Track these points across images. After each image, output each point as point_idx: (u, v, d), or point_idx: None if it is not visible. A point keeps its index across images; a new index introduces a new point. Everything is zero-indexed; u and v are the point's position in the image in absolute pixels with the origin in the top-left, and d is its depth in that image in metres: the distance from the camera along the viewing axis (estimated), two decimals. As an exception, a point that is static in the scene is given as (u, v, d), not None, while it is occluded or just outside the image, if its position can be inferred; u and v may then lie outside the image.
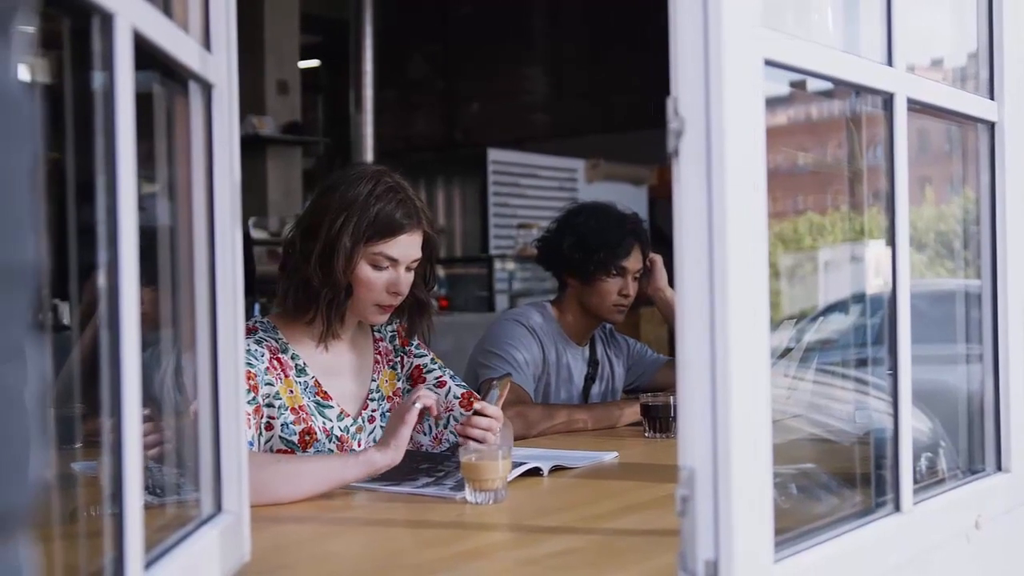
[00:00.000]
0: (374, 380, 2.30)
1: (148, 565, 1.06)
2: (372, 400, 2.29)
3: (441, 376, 2.35)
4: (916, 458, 1.57)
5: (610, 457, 2.31)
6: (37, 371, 0.56)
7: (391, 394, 2.32)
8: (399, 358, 2.37)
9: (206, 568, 1.25)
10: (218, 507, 1.34)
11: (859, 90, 1.52)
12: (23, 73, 0.56)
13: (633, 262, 2.95)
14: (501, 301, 7.29)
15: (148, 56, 1.10)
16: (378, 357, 2.33)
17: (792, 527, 1.32)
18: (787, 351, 2.23)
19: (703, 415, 1.14)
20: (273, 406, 2.10)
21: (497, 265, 7.39)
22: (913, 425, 1.53)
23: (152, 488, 1.30)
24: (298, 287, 2.16)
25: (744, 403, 1.15)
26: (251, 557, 1.41)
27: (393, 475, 2.00)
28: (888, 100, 1.48)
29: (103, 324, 0.99)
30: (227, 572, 1.32)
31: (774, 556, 1.21)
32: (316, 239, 2.13)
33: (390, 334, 2.38)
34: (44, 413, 0.57)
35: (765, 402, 1.19)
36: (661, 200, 8.15)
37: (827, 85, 1.53)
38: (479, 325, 5.53)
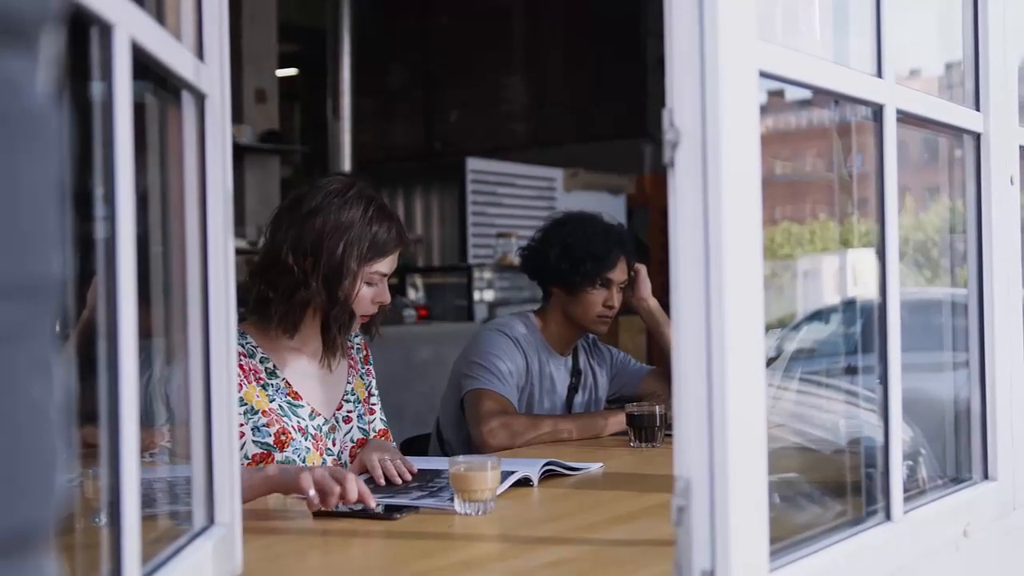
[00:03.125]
0: (349, 382, 2.37)
1: (144, 578, 1.05)
2: (348, 401, 2.35)
3: (375, 405, 2.46)
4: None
5: (596, 468, 2.31)
6: (61, 385, 0.55)
7: (364, 399, 2.40)
8: (365, 369, 2.45)
9: (200, 581, 1.24)
10: (211, 519, 1.33)
11: (850, 101, 1.54)
12: (48, 85, 0.56)
13: (619, 273, 2.95)
14: (480, 310, 7.28)
15: (142, 65, 1.09)
16: (351, 362, 2.40)
17: (786, 536, 1.32)
18: (769, 360, 2.24)
19: (699, 425, 1.15)
20: (239, 413, 2.11)
21: (476, 274, 7.37)
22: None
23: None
24: (297, 308, 2.20)
25: (740, 413, 1.15)
26: (243, 569, 1.40)
27: (386, 490, 2.00)
28: (878, 111, 1.49)
29: (100, 335, 0.98)
30: (220, 585, 1.31)
31: (769, 565, 1.22)
32: (316, 261, 2.18)
33: (357, 345, 2.45)
34: (68, 427, 0.57)
35: (761, 412, 1.20)
36: (639, 209, 8.17)
37: (806, 94, 1.54)
38: (458, 334, 5.53)
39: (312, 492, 1.77)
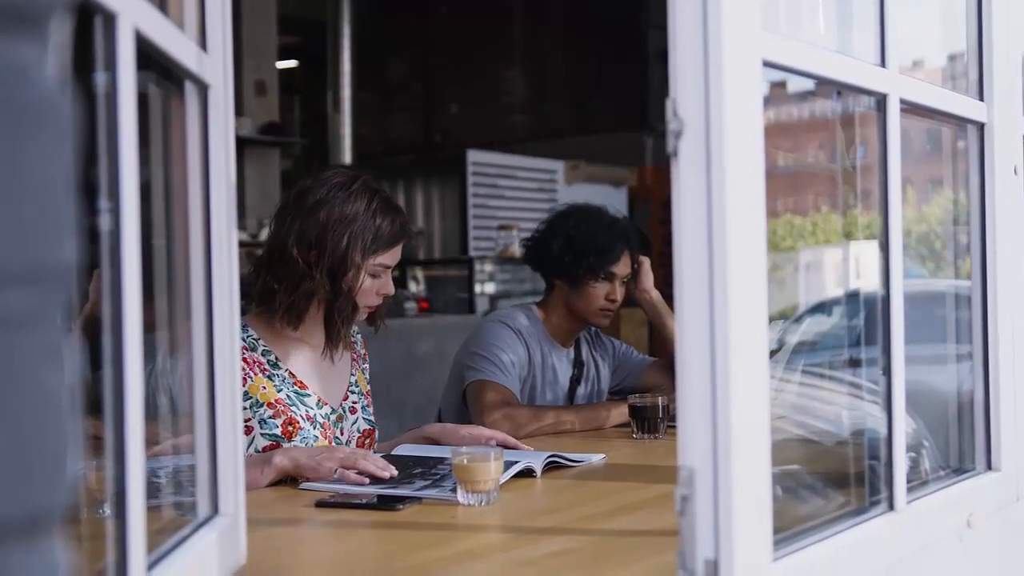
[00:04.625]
0: (352, 375, 2.40)
1: (149, 568, 1.05)
2: (352, 393, 2.38)
3: (367, 404, 2.45)
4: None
5: (598, 459, 2.31)
6: (73, 371, 0.56)
7: (365, 393, 2.43)
8: (365, 366, 2.48)
9: (205, 571, 1.24)
10: (215, 510, 1.34)
11: (854, 91, 1.53)
12: (59, 71, 0.56)
13: (622, 267, 2.95)
14: (481, 303, 7.28)
15: (145, 55, 1.09)
16: (354, 356, 2.43)
17: (789, 526, 1.32)
18: (771, 353, 2.24)
19: (703, 415, 1.15)
20: (245, 407, 2.13)
21: (477, 267, 7.37)
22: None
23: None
24: (302, 299, 2.22)
25: (744, 403, 1.15)
26: (247, 560, 1.40)
27: (389, 480, 2.00)
28: (881, 101, 1.49)
29: (105, 328, 0.98)
30: (224, 575, 1.31)
31: (773, 555, 1.22)
32: (321, 253, 2.19)
33: (358, 340, 2.48)
34: (79, 413, 0.57)
35: (764, 402, 1.20)
36: (640, 201, 8.17)
37: (808, 85, 1.54)
38: (460, 327, 5.53)
39: (338, 473, 1.98)
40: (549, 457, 2.16)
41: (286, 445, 2.16)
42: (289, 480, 2.07)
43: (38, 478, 0.52)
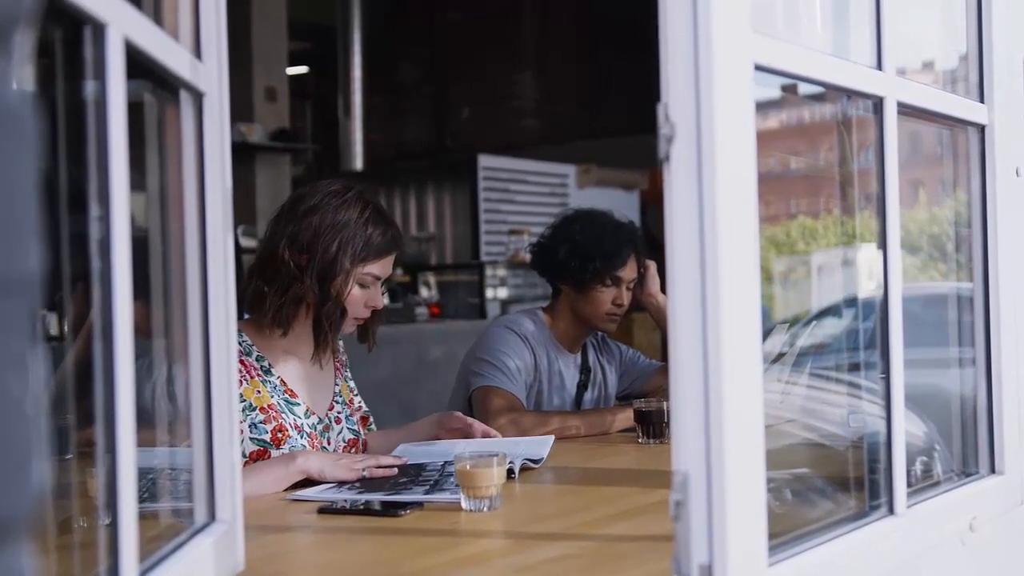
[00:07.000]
0: (336, 384, 2.43)
1: (143, 574, 1.06)
2: (337, 403, 2.41)
3: (350, 413, 2.46)
4: (911, 462, 1.58)
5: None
6: (38, 379, 0.56)
7: (348, 402, 2.45)
8: (347, 372, 2.51)
9: (200, 578, 1.24)
10: (212, 516, 1.34)
11: (849, 94, 1.53)
12: (23, 83, 0.56)
13: (628, 272, 2.95)
14: (492, 308, 7.27)
15: (138, 64, 1.10)
16: (338, 365, 2.46)
17: (787, 531, 1.32)
18: (780, 356, 2.23)
19: (696, 419, 1.15)
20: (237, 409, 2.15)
21: (488, 272, 7.36)
22: (907, 429, 1.53)
23: (142, 495, 1.29)
24: (291, 303, 2.24)
25: (737, 407, 1.15)
26: (244, 567, 1.40)
27: (380, 488, 2.00)
28: (878, 104, 1.49)
29: (96, 335, 0.99)
30: (221, 582, 1.32)
31: (768, 560, 1.21)
32: (311, 257, 2.22)
33: (341, 346, 2.51)
34: (45, 421, 0.57)
35: (758, 405, 1.20)
36: (652, 205, 8.15)
37: (817, 89, 1.54)
38: (470, 332, 5.52)
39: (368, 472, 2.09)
40: (523, 460, 2.20)
41: (274, 452, 2.17)
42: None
43: (2, 485, 0.52)
